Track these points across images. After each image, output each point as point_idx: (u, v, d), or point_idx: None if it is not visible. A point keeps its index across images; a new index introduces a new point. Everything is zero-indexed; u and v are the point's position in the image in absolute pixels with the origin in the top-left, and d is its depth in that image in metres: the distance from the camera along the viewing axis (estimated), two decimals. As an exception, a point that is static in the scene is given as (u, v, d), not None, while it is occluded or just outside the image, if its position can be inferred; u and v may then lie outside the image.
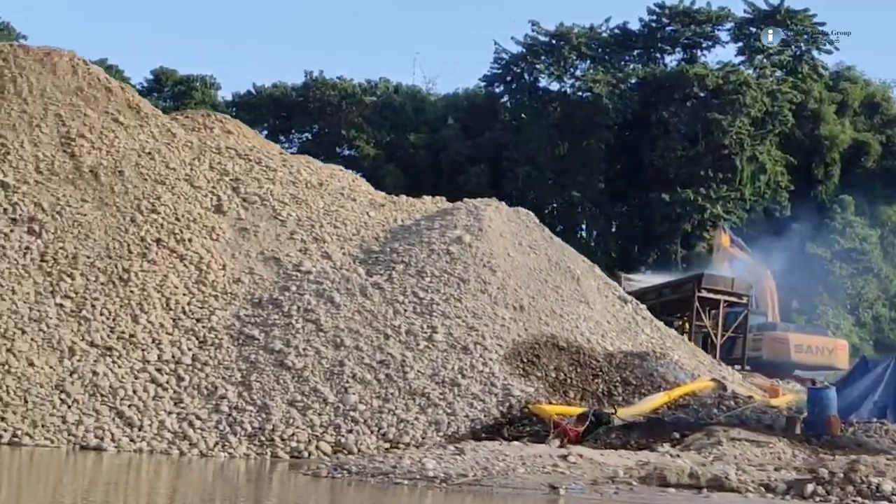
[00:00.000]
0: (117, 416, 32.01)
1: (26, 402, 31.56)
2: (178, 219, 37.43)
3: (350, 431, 32.33)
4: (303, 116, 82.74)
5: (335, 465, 26.62)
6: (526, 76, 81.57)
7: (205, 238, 37.21)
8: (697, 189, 73.64)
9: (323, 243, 38.16)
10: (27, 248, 35.29)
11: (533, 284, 37.67)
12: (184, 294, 35.56)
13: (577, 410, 32.67)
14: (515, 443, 28.86)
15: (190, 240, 36.91)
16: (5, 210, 36.16)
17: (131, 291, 35.07)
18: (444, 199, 43.48)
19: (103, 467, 28.69)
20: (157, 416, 32.26)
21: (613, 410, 32.64)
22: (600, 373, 35.16)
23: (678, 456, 27.77)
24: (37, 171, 37.46)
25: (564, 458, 25.90)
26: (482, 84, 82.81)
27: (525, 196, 71.10)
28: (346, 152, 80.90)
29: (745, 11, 80.00)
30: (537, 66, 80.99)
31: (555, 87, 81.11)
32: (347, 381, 33.53)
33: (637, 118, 76.80)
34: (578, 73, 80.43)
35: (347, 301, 35.91)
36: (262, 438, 32.01)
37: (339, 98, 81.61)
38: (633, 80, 79.09)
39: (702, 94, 76.04)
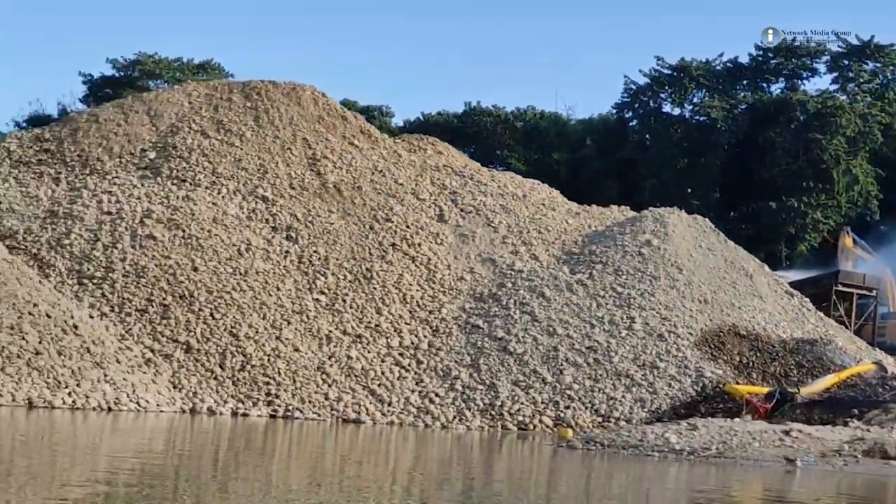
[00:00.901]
0: (370, 394, 31.64)
1: (295, 381, 31.33)
2: (408, 226, 36.95)
3: (567, 407, 31.66)
4: (462, 139, 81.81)
5: (586, 438, 25.58)
6: (651, 103, 79.95)
7: (431, 243, 36.67)
8: (799, 198, 71.59)
9: (530, 246, 37.41)
10: (286, 252, 35.10)
11: (713, 281, 36.58)
12: (417, 290, 35.07)
13: (764, 390, 31.57)
14: (738, 419, 27.74)
15: (419, 244, 36.43)
16: (267, 220, 36.02)
17: (374, 288, 34.68)
18: (628, 208, 42.50)
19: (366, 436, 28.30)
20: (403, 394, 31.83)
21: (797, 389, 31.50)
22: (777, 357, 34.04)
23: (868, 430, 26.42)
24: (290, 187, 37.26)
25: (787, 433, 24.67)
26: (614, 110, 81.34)
27: (652, 205, 69.79)
28: (499, 169, 79.95)
29: (838, 47, 77.65)
30: (661, 95, 79.45)
31: (676, 112, 79.33)
32: (562, 364, 32.81)
33: (747, 138, 74.94)
34: (696, 100, 78.64)
35: (556, 295, 35.14)
36: (493, 413, 31.52)
37: (494, 123, 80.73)
38: (743, 106, 77.31)
39: (803, 118, 73.94)
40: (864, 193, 74.23)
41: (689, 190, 75.04)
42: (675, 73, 78.69)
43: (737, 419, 28.36)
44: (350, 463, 22.12)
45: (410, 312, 34.25)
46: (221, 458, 21.95)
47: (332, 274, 34.65)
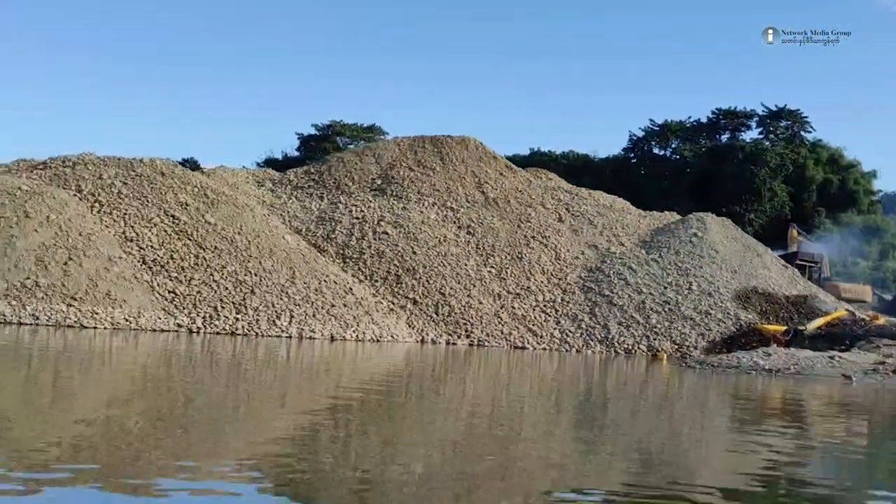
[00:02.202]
0: (528, 331, 30.43)
1: (481, 321, 30.22)
2: (540, 225, 35.59)
3: (654, 339, 30.21)
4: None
5: (697, 361, 24.01)
6: (646, 148, 77.74)
7: (555, 235, 35.28)
8: (740, 206, 69.21)
9: (618, 237, 35.89)
10: (468, 241, 33.89)
11: (737, 258, 34.87)
12: (549, 265, 33.74)
13: (781, 328, 29.91)
14: (792, 349, 25.96)
15: (548, 236, 35.04)
16: (454, 222, 34.85)
17: (524, 264, 33.42)
18: (675, 213, 40.57)
19: (525, 356, 27.05)
20: (549, 331, 30.59)
21: (804, 327, 29.76)
22: (783, 307, 32.32)
23: (891, 355, 24.33)
24: (466, 201, 35.99)
25: (832, 358, 22.92)
26: (622, 152, 79.25)
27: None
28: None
29: (763, 111, 75.47)
30: (652, 142, 77.21)
31: (661, 153, 77.08)
32: (648, 312, 31.36)
33: (706, 170, 72.58)
34: (674, 145, 76.41)
35: (639, 269, 33.61)
36: (607, 343, 30.17)
37: (548, 161, 78.45)
38: (703, 149, 74.87)
39: (741, 156, 71.43)
40: (780, 203, 71.67)
41: (669, 202, 72.79)
42: (661, 129, 76.57)
43: (769, 347, 26.75)
44: (520, 368, 21.29)
45: (548, 279, 32.96)
46: (439, 365, 21.47)
47: (497, 255, 33.43)
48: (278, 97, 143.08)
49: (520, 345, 29.48)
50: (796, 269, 36.77)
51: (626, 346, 29.90)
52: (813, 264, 44.88)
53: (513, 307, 31.11)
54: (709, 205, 72.75)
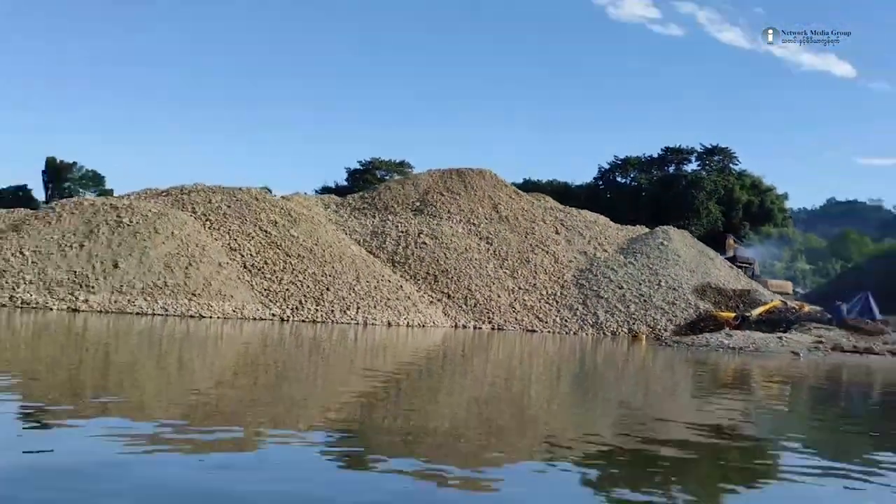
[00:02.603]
0: (536, 318, 29.85)
1: (500, 311, 29.70)
2: (542, 236, 35.01)
3: (633, 324, 29.62)
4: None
5: (674, 341, 23.39)
6: (611, 177, 76.97)
7: (554, 244, 34.69)
8: (683, 222, 68.08)
9: (603, 245, 35.31)
10: (487, 249, 33.33)
11: (695, 261, 34.24)
12: (550, 266, 33.11)
13: (732, 314, 29.30)
14: (748, 331, 25.30)
15: (548, 245, 34.45)
16: (476, 234, 34.24)
17: (531, 266, 32.84)
18: (645, 227, 39.90)
19: (534, 338, 26.48)
20: (552, 318, 30.00)
21: (749, 314, 29.15)
22: (732, 298, 31.65)
23: (823, 335, 23.60)
24: (485, 218, 35.45)
25: (780, 338, 22.31)
26: (593, 180, 78.52)
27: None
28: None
29: (700, 147, 74.62)
30: (616, 173, 76.45)
31: (623, 181, 76.19)
32: (627, 303, 30.77)
33: (658, 193, 71.81)
34: (633, 174, 75.55)
35: (620, 269, 33.04)
36: (597, 327, 29.58)
37: (538, 187, 77.76)
38: (655, 178, 73.97)
39: (684, 183, 70.72)
40: (714, 220, 70.69)
41: (630, 219, 71.98)
42: (622, 162, 75.93)
43: (724, 329, 26.17)
44: (531, 347, 20.78)
45: (549, 278, 32.41)
46: (468, 343, 20.82)
47: (510, 259, 32.91)
48: (331, 139, 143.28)
49: (530, 329, 29.01)
50: (740, 269, 36.13)
51: (611, 329, 29.40)
52: (748, 265, 44.14)
53: (523, 300, 30.64)
54: (660, 222, 71.17)
